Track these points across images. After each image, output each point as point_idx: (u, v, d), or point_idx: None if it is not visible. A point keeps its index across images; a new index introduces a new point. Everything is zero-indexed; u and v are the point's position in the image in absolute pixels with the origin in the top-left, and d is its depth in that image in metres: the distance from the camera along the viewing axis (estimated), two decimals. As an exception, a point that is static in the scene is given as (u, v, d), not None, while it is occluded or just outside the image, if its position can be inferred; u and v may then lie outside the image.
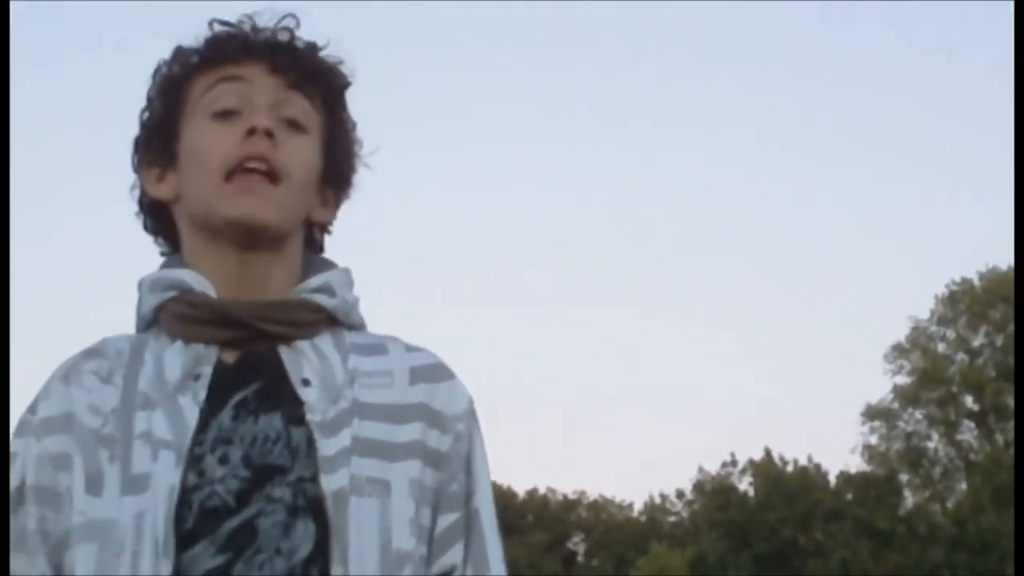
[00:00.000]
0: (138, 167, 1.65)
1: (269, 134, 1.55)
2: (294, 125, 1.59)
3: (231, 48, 1.60)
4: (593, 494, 50.17)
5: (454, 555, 1.55)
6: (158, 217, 1.65)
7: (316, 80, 1.61)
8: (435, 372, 1.61)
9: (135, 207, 1.66)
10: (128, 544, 1.45)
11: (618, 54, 59.33)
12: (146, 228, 1.67)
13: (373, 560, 1.47)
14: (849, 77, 56.32)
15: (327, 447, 1.49)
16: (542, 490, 48.29)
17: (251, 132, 1.55)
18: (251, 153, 1.55)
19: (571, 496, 49.56)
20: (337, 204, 1.68)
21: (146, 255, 1.67)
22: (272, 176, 1.56)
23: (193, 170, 1.58)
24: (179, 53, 1.63)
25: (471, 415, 1.62)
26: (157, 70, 1.64)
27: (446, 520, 1.56)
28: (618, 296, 59.91)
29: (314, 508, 1.47)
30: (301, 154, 1.59)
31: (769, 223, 58.22)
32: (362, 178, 1.68)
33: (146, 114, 1.64)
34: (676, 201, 58.96)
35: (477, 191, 61.36)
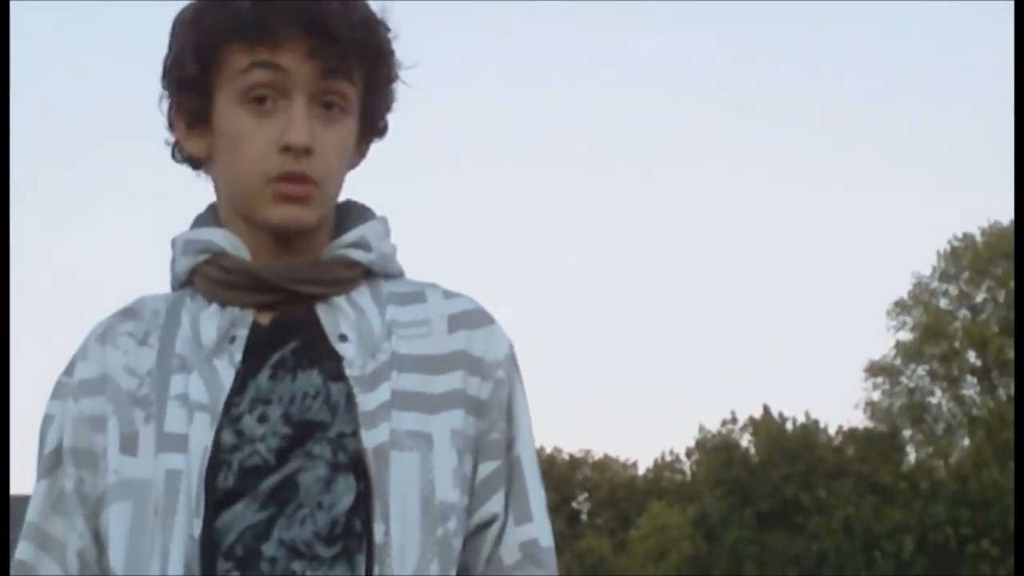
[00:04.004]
0: (168, 109, 1.59)
1: (307, 150, 1.50)
2: (331, 107, 1.53)
3: (267, 24, 1.49)
4: (598, 453, 50.36)
5: (495, 504, 1.54)
6: (190, 159, 1.61)
7: (357, 59, 1.53)
8: (474, 318, 1.59)
9: (166, 130, 1.60)
10: (161, 503, 1.46)
11: None
12: (175, 159, 1.61)
13: (415, 514, 1.47)
14: (850, 31, 56.07)
15: (366, 402, 1.49)
16: (548, 449, 48.44)
17: (287, 148, 1.49)
18: (290, 171, 1.50)
19: (577, 455, 49.73)
20: (371, 144, 1.63)
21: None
22: (314, 181, 1.52)
23: (228, 154, 1.54)
24: (211, 5, 1.53)
25: (511, 361, 1.60)
26: (188, 12, 1.55)
27: (487, 468, 1.55)
28: (622, 255, 59.92)
29: (355, 463, 1.47)
30: (339, 142, 1.54)
31: (772, 181, 58.14)
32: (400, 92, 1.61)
33: (175, 62, 1.55)
34: (674, 162, 58.80)
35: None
